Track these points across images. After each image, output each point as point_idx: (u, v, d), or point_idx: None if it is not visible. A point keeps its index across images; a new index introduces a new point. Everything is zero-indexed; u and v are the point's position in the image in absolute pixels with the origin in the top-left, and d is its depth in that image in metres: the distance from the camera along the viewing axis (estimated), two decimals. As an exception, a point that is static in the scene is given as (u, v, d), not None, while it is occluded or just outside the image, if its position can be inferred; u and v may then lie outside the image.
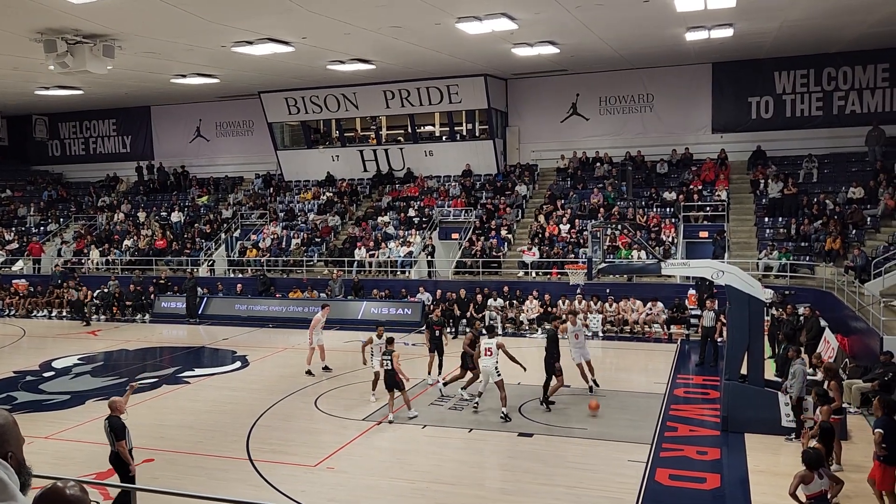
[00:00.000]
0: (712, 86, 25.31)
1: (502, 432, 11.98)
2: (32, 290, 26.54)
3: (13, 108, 32.38)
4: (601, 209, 23.87)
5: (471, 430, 12.10)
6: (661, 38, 20.14)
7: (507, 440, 11.63)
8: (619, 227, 20.38)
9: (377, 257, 24.57)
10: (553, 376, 13.17)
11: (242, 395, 14.62)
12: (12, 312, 25.68)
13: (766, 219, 22.68)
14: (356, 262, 24.72)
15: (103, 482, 9.05)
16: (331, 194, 28.98)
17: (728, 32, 19.23)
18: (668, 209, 23.78)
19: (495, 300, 21.05)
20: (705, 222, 23.18)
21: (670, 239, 22.01)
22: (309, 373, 16.28)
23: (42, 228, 31.33)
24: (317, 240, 26.54)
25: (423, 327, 17.76)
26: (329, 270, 24.58)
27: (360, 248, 25.01)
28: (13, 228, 31.46)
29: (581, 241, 22.74)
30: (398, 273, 24.13)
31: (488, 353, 12.83)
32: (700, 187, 24.02)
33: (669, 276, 18.65)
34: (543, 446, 11.27)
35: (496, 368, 12.80)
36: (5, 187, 34.26)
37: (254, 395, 14.79)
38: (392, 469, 10.46)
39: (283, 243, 26.72)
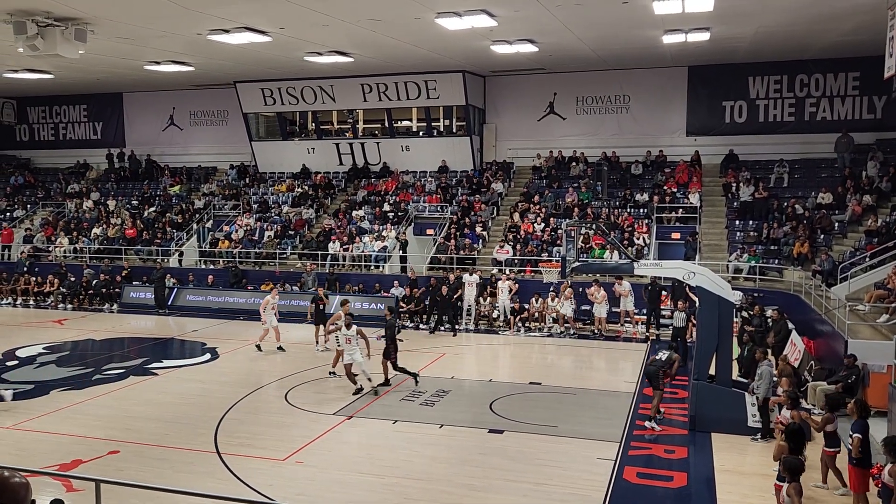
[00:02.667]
0: (688, 89, 25.58)
1: (473, 429, 11.99)
2: (-3, 277, 26.01)
3: (-20, 91, 31.64)
4: (576, 208, 24.01)
5: (441, 426, 12.09)
6: (638, 39, 20.28)
7: (477, 436, 11.64)
8: (593, 226, 20.52)
9: (351, 251, 24.46)
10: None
11: (211, 388, 14.46)
12: (-25, 299, 25.11)
13: (737, 222, 22.99)
14: (330, 256, 24.58)
15: (66, 474, 8.88)
16: (306, 187, 28.76)
17: (705, 36, 19.43)
18: (641, 210, 23.99)
19: (471, 275, 20.97)
20: (678, 224, 23.42)
21: (642, 240, 22.21)
22: (258, 348, 17.59)
23: (8, 214, 30.66)
24: (290, 232, 26.34)
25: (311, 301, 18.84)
26: (302, 264, 24.41)
27: (333, 242, 24.86)
28: (-22, 214, 30.74)
29: (555, 239, 22.85)
30: (372, 268, 24.04)
31: (348, 341, 13.92)
32: (673, 189, 24.27)
33: (641, 277, 18.80)
34: (513, 443, 11.30)
35: (353, 353, 13.89)
36: (-29, 171, 33.47)
37: (223, 387, 14.63)
38: (362, 464, 10.42)
39: (257, 235, 26.46)
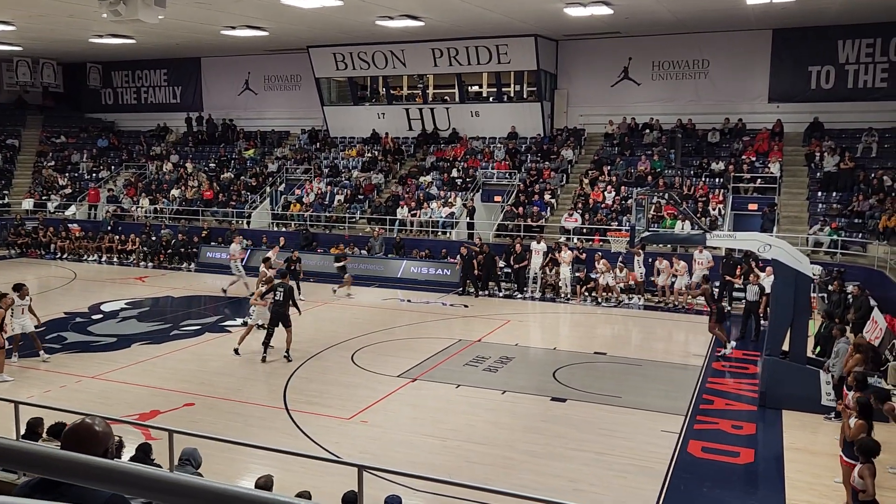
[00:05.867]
0: (771, 53, 24.37)
1: (536, 396, 12.00)
2: (85, 234, 27.35)
3: (68, 56, 32.94)
4: (648, 177, 23.42)
5: (504, 392, 12.15)
6: (720, 0, 19.40)
7: (539, 404, 11.66)
8: (666, 195, 19.98)
9: (419, 217, 24.61)
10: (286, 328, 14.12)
11: (281, 346, 14.91)
12: (64, 256, 26.52)
13: (820, 193, 21.96)
14: (398, 221, 24.80)
15: (145, 423, 9.36)
16: (375, 152, 28.98)
17: (792, -4, 18.43)
18: (717, 179, 23.20)
19: (538, 243, 20.83)
20: (755, 194, 22.56)
21: (717, 210, 21.51)
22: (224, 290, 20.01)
23: (94, 175, 32.09)
24: (360, 197, 26.66)
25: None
26: (371, 228, 24.73)
27: (402, 207, 25.05)
28: (67, 174, 32.28)
29: (626, 208, 22.39)
30: (439, 233, 24.14)
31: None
32: (752, 158, 23.34)
33: (714, 248, 18.27)
34: (576, 412, 11.27)
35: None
36: (60, 133, 35.09)
37: (292, 346, 15.06)
38: (424, 426, 10.60)
39: (327, 199, 26.91)
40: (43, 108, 36.06)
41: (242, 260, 21.48)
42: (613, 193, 23.36)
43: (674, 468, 9.20)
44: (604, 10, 20.08)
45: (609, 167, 24.63)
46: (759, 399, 11.66)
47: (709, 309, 14.79)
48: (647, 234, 13.56)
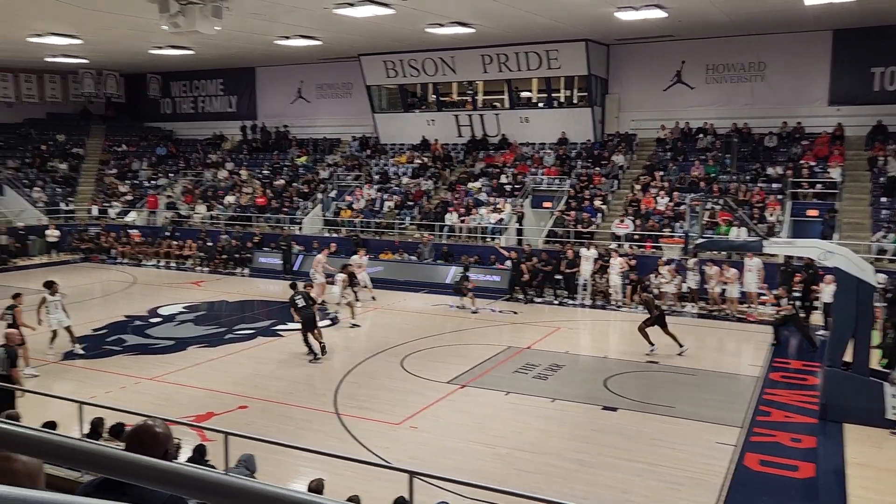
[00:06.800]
0: (832, 54, 23.64)
1: (586, 404, 11.86)
2: (144, 239, 28.20)
3: (130, 67, 34.09)
4: (702, 182, 22.95)
5: (554, 399, 12.04)
6: (778, 1, 18.93)
7: (590, 412, 11.51)
8: (720, 201, 19.53)
9: (468, 223, 24.62)
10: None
11: (332, 352, 15.07)
12: (124, 260, 27.36)
13: (883, 199, 21.17)
14: (447, 227, 24.87)
15: (200, 425, 9.57)
16: (425, 159, 29.14)
17: (854, -4, 17.86)
18: (773, 185, 22.59)
19: (588, 249, 20.62)
20: (815, 200, 21.88)
21: (775, 217, 20.94)
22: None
23: (153, 182, 33.07)
24: (409, 203, 26.83)
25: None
26: (420, 234, 24.84)
27: (451, 213, 25.11)
28: (127, 181, 33.35)
29: (679, 215, 21.97)
30: (488, 239, 24.10)
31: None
32: (811, 163, 22.65)
33: (772, 256, 17.78)
34: (627, 421, 11.09)
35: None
36: (121, 142, 36.28)
37: (342, 351, 15.24)
38: (473, 433, 10.57)
39: (377, 205, 27.16)
40: (105, 118, 37.38)
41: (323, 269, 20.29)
42: (666, 199, 22.96)
43: (731, 482, 8.96)
44: (657, 14, 19.78)
45: (661, 173, 24.23)
46: (819, 411, 11.28)
47: (650, 314, 15.01)
48: (701, 240, 13.27)
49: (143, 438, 2.64)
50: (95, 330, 16.80)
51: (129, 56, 29.42)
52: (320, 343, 14.60)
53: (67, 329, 14.56)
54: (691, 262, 19.00)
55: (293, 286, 15.49)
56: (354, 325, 17.33)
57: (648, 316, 15.08)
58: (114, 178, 33.30)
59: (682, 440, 10.33)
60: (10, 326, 13.01)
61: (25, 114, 35.01)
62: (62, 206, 31.06)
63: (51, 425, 8.34)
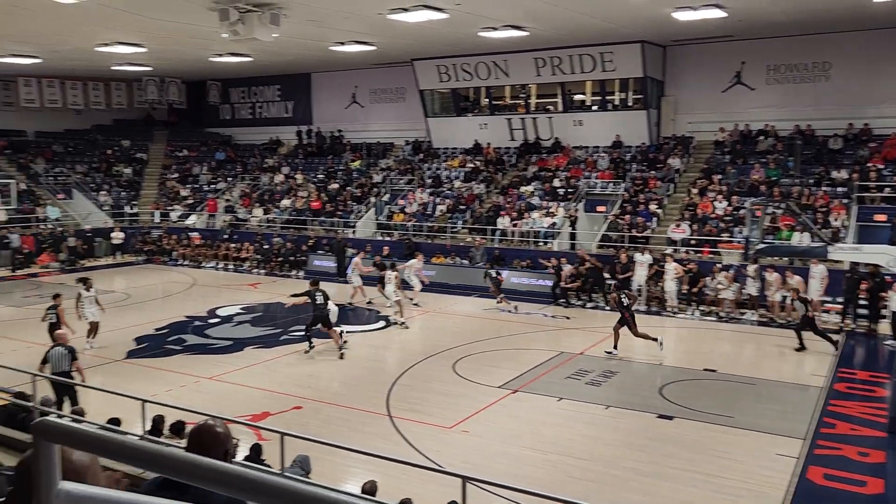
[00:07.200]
0: (902, 53, 22.72)
1: (641, 412, 11.65)
2: (204, 242, 28.96)
3: (191, 74, 35.10)
4: (762, 186, 22.31)
5: (608, 406, 11.86)
6: (844, 0, 18.29)
7: (645, 420, 11.30)
8: (782, 206, 18.95)
9: (520, 227, 24.49)
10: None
11: (384, 354, 15.20)
12: (184, 262, 28.13)
13: (958, 203, 20.24)
14: (499, 231, 24.78)
15: (257, 424, 9.74)
16: (477, 163, 29.12)
17: (926, -8, 17.14)
18: (839, 189, 21.80)
19: (643, 254, 20.34)
20: (883, 204, 21.04)
21: (840, 222, 20.20)
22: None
23: (212, 186, 33.92)
24: (461, 207, 26.85)
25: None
26: (472, 238, 24.82)
27: (503, 217, 25.02)
28: (188, 185, 34.30)
29: (737, 219, 21.40)
30: (540, 244, 23.93)
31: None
32: (880, 166, 21.78)
33: (837, 262, 17.15)
34: (684, 430, 10.85)
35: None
36: (182, 147, 37.36)
37: (395, 354, 15.33)
38: (525, 438, 10.49)
39: (429, 209, 27.25)
40: (168, 124, 38.59)
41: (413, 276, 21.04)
42: (724, 203, 22.40)
43: (794, 496, 8.66)
44: (716, 14, 19.33)
45: (719, 176, 23.66)
46: (888, 425, 10.81)
47: (621, 315, 15.04)
48: (762, 245, 12.90)
49: (204, 438, 2.71)
50: (157, 329, 17.31)
51: (191, 63, 30.27)
52: (338, 343, 14.97)
53: (94, 324, 15.15)
54: (751, 268, 18.46)
55: (314, 283, 15.84)
56: (403, 325, 17.44)
57: (622, 317, 15.12)
58: (175, 183, 34.31)
59: (741, 451, 10.04)
60: (52, 325, 13.52)
61: (93, 120, 36.42)
62: (126, 209, 32.17)
63: (115, 422, 8.62)
